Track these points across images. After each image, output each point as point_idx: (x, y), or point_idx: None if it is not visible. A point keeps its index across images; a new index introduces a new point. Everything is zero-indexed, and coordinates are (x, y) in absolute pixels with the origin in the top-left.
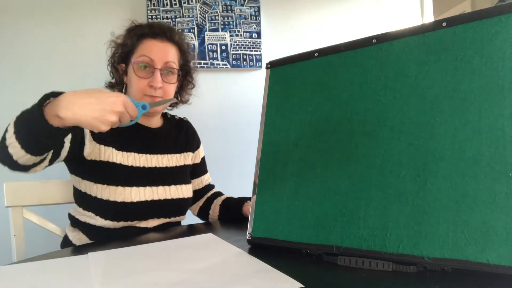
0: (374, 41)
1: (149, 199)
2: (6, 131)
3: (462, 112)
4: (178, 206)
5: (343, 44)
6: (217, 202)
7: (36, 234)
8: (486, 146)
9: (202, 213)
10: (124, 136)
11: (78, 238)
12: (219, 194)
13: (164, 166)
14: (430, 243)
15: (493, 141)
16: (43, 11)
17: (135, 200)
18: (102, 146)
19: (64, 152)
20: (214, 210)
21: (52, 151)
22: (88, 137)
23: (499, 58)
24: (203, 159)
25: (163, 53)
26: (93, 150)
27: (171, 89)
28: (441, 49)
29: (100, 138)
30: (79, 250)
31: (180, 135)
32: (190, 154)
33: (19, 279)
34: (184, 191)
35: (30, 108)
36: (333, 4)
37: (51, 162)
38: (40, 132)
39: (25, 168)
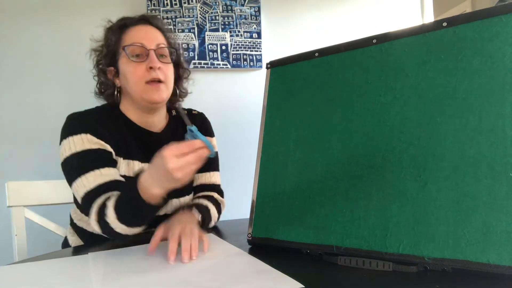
0: (374, 41)
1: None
2: (104, 215)
3: (463, 112)
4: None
5: (343, 44)
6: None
7: (38, 234)
8: (486, 146)
9: None
10: (127, 142)
11: (77, 243)
12: (208, 197)
13: None
14: (431, 243)
15: (494, 141)
16: (43, 10)
17: None
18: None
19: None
20: None
21: None
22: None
23: (499, 58)
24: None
25: (151, 35)
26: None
27: (169, 70)
28: (442, 49)
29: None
30: (80, 250)
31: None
32: None
33: (21, 279)
34: (185, 202)
35: (131, 197)
36: (334, 4)
37: None
38: (146, 215)
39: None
